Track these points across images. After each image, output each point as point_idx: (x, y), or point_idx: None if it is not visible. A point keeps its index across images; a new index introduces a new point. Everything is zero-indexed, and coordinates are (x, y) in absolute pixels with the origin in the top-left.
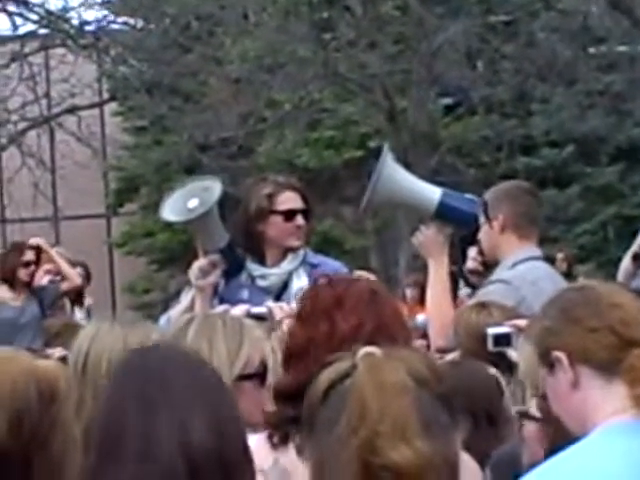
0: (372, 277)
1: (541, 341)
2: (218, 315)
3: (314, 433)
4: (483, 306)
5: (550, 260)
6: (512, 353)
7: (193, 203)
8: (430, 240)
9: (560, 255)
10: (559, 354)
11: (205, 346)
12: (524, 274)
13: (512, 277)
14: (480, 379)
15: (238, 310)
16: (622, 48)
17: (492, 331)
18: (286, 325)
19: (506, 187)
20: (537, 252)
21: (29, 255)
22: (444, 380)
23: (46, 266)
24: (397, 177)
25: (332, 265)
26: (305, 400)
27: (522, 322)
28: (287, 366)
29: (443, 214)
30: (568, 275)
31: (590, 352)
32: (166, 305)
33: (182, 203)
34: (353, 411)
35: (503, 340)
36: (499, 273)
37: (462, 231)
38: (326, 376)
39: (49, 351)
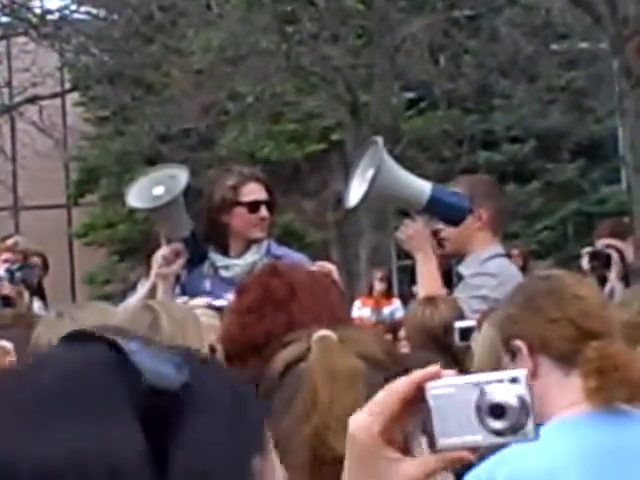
0: (332, 267)
1: (503, 328)
2: (159, 303)
3: (272, 415)
4: (430, 300)
5: (508, 256)
6: (474, 345)
7: (159, 190)
8: (419, 234)
9: (515, 251)
10: (519, 343)
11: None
12: (505, 269)
13: (496, 271)
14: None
15: (198, 302)
16: (584, 44)
17: (459, 325)
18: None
19: (487, 184)
20: (503, 250)
21: None
22: (400, 362)
23: (4, 255)
24: (393, 170)
25: (295, 257)
26: (262, 382)
27: None
28: (241, 361)
29: (433, 208)
30: (524, 270)
31: (549, 342)
32: (125, 296)
33: (148, 190)
34: (305, 398)
35: (469, 333)
36: (471, 266)
37: (450, 226)
38: (282, 357)
39: None
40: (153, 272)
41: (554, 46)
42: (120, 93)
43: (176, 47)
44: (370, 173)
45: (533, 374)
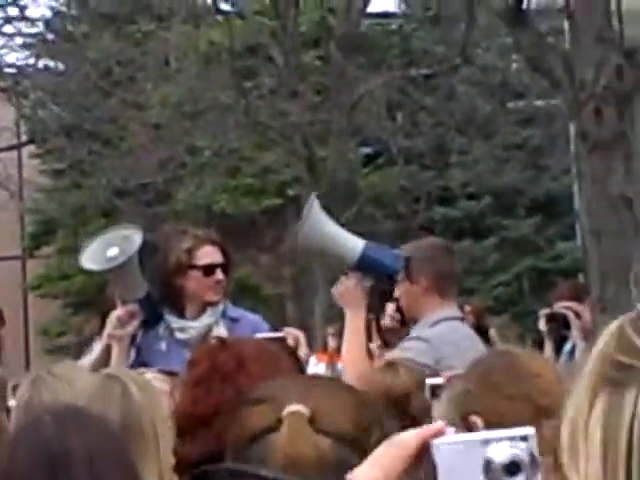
0: (299, 334)
1: (460, 404)
2: (121, 372)
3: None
4: (391, 366)
5: (461, 318)
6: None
7: (113, 252)
8: (349, 291)
9: (467, 308)
10: (476, 419)
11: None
12: (444, 334)
13: (432, 336)
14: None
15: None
16: (540, 103)
17: (430, 382)
18: (177, 392)
19: (426, 248)
20: (457, 312)
21: None
22: (370, 431)
23: None
24: (322, 225)
25: (252, 319)
26: (230, 442)
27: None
28: (192, 435)
29: (364, 265)
30: (478, 327)
31: (506, 419)
32: (80, 348)
33: (102, 251)
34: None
35: (440, 390)
36: (419, 330)
37: (382, 284)
38: (251, 424)
39: None
40: (106, 333)
41: (510, 104)
42: (77, 146)
43: (134, 101)
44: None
45: None
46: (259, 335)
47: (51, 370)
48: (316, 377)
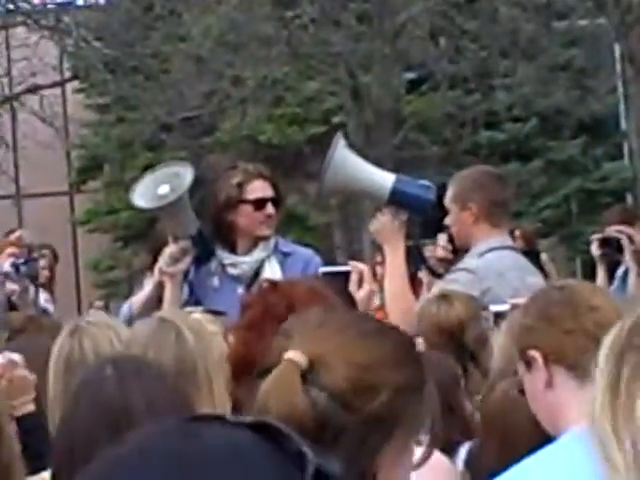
0: (364, 269)
1: (519, 338)
2: (174, 314)
3: None
4: (445, 297)
5: (511, 247)
6: None
7: (164, 189)
8: (385, 226)
9: (517, 232)
10: (535, 353)
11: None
12: (490, 264)
13: (478, 267)
14: (440, 372)
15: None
16: (584, 23)
17: (493, 308)
18: (232, 335)
19: (476, 175)
20: (508, 241)
21: None
22: (375, 395)
23: (10, 249)
24: (348, 165)
25: (304, 253)
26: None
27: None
28: (247, 377)
29: (397, 200)
30: (530, 251)
31: (564, 353)
32: (130, 282)
33: (152, 189)
34: None
35: (502, 318)
36: (466, 261)
37: (417, 215)
38: (267, 357)
39: None
40: (158, 269)
41: (554, 25)
42: (120, 81)
43: (176, 34)
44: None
45: (548, 384)
46: (325, 269)
47: (89, 319)
48: (350, 321)
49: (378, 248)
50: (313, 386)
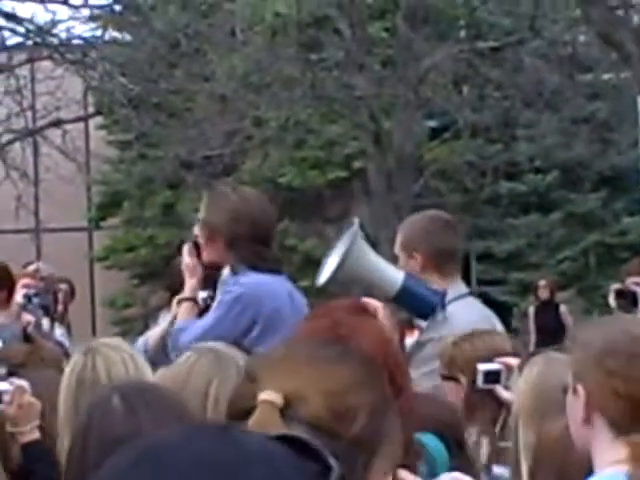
0: (378, 305)
1: (574, 365)
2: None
3: None
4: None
5: (532, 286)
6: (500, 390)
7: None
8: (383, 322)
9: (542, 282)
10: (581, 389)
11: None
12: (457, 320)
13: (447, 333)
14: (443, 411)
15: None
16: (608, 76)
17: (482, 367)
18: None
19: (422, 221)
20: (463, 289)
21: None
22: (354, 418)
23: (24, 280)
24: (364, 256)
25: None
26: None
27: (512, 360)
28: None
29: (403, 298)
30: (550, 302)
31: (608, 408)
32: (146, 320)
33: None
34: None
35: (492, 377)
36: (430, 326)
37: (419, 318)
38: (239, 403)
39: None
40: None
41: (578, 77)
42: (144, 118)
43: (200, 73)
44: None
45: (586, 421)
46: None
47: (103, 341)
48: (312, 350)
49: None
50: (293, 421)
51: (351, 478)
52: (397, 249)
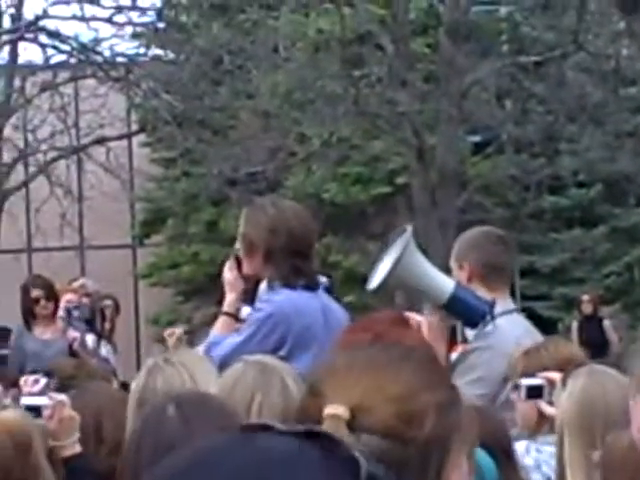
0: (421, 319)
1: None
2: (273, 361)
3: None
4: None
5: (576, 301)
6: (543, 405)
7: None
8: (432, 328)
9: (586, 297)
10: None
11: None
12: (504, 335)
13: (494, 342)
14: (492, 423)
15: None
16: None
17: (525, 382)
18: None
19: (474, 234)
20: (510, 305)
21: (35, 292)
22: (422, 422)
23: (67, 296)
24: (417, 263)
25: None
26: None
27: (555, 375)
28: None
29: (453, 305)
30: (593, 316)
31: None
32: (190, 337)
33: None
34: None
35: (535, 392)
36: (478, 335)
37: (467, 326)
38: (301, 417)
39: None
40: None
41: (622, 91)
42: (187, 135)
43: (244, 90)
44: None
45: None
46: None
47: (168, 357)
48: (372, 357)
49: None
50: (362, 432)
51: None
52: (451, 261)
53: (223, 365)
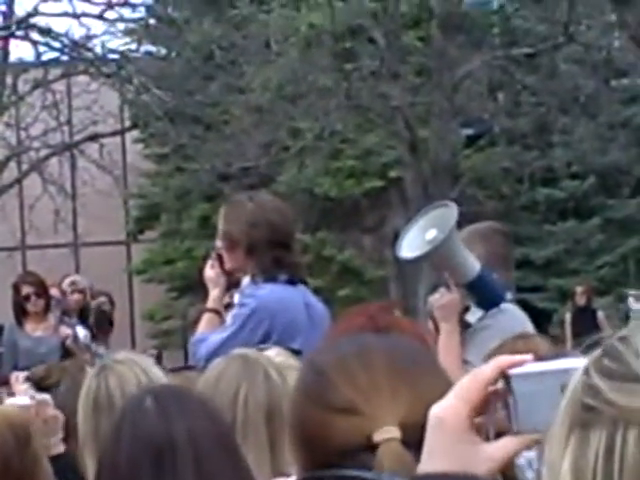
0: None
1: None
2: (257, 354)
3: None
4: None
5: (570, 293)
6: None
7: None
8: (451, 304)
9: (580, 288)
10: None
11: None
12: (515, 317)
13: (504, 320)
14: None
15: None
16: None
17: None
18: None
19: (479, 228)
20: (510, 296)
21: (26, 289)
22: None
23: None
24: (456, 242)
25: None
26: (317, 455)
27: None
28: None
29: (477, 285)
30: (587, 308)
31: None
32: (185, 333)
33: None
34: None
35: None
36: (487, 315)
37: (484, 307)
38: (338, 439)
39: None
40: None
41: (614, 83)
42: (180, 131)
43: (236, 85)
44: (431, 234)
45: None
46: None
47: (116, 357)
48: (404, 366)
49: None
50: (413, 447)
51: None
52: None
53: (210, 362)
